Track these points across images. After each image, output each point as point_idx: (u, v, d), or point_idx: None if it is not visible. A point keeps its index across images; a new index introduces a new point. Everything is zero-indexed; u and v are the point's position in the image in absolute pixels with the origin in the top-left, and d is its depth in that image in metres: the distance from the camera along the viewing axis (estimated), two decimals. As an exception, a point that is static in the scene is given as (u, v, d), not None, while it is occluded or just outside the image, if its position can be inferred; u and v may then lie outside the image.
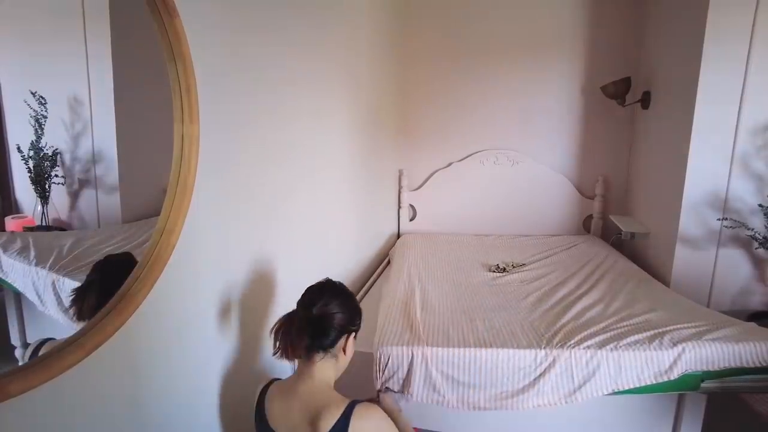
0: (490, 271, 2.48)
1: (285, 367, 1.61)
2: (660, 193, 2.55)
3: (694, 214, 2.24)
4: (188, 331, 1.13)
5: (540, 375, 1.60)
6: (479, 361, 1.61)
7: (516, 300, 2.07)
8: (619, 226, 2.74)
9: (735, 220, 2.12)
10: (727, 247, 2.22)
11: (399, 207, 3.31)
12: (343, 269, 2.21)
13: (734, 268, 2.23)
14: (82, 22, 0.97)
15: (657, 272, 2.42)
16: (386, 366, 1.63)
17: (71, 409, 0.85)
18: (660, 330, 1.68)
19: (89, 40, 0.98)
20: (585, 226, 3.18)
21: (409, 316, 1.87)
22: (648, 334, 1.67)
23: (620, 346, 1.61)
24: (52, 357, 0.80)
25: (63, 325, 0.89)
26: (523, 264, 2.57)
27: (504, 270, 2.47)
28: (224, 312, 1.27)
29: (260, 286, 1.46)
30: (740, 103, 2.13)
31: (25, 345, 0.87)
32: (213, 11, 1.17)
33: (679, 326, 1.70)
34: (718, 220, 2.17)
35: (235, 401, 1.33)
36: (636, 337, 1.65)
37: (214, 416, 1.26)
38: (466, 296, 2.14)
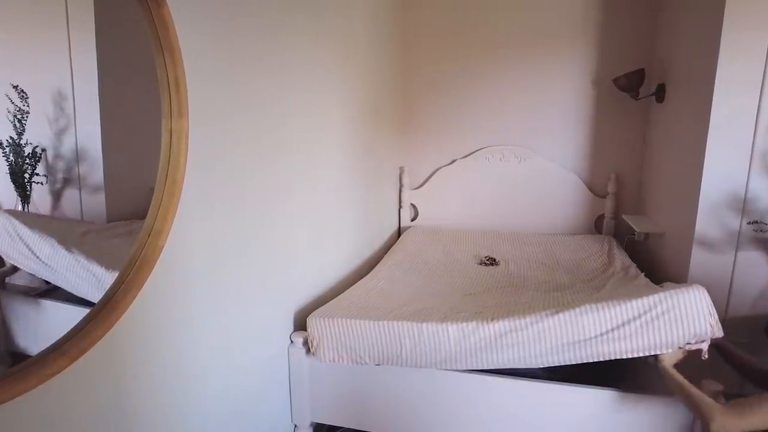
0: (480, 263, 2.49)
1: (280, 371, 1.56)
2: (675, 192, 2.46)
3: (711, 214, 2.15)
4: (177, 338, 1.09)
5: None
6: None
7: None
8: (632, 225, 2.66)
9: (764, 223, 2.03)
10: (746, 248, 2.13)
11: (400, 206, 3.22)
12: (342, 272, 2.15)
13: (754, 270, 2.14)
14: (64, 10, 0.93)
15: (672, 275, 2.33)
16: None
17: (54, 419, 0.81)
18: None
19: (72, 30, 0.93)
20: (597, 226, 3.08)
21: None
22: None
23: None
24: (34, 365, 0.77)
25: (50, 331, 0.85)
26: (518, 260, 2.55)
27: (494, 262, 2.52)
28: (216, 317, 1.22)
29: (254, 288, 1.41)
30: (760, 96, 2.04)
31: (9, 353, 0.83)
32: None
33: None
34: (749, 224, 2.08)
35: (227, 410, 1.28)
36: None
37: (205, 426, 1.21)
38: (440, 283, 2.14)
